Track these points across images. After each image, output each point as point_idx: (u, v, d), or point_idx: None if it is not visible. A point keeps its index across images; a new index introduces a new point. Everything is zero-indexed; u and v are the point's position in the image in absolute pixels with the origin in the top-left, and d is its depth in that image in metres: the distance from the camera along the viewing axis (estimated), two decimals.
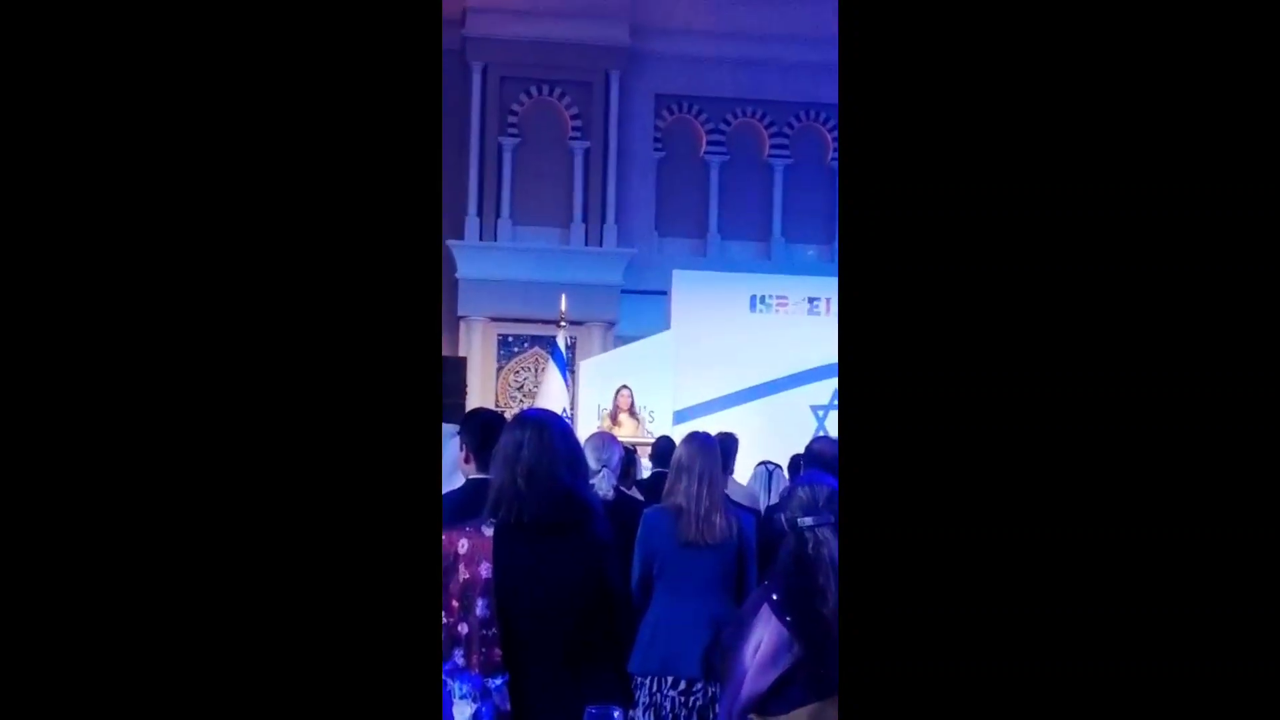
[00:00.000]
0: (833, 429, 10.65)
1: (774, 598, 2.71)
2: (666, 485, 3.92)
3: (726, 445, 4.59)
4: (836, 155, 12.60)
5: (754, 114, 12.68)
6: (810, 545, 2.74)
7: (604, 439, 4.63)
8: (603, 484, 4.30)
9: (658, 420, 10.16)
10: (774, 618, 2.68)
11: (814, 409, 11.10)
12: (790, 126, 12.72)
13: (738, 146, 12.73)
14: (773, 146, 12.72)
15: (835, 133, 12.65)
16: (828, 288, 11.19)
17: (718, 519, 3.78)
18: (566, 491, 2.60)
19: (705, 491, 3.79)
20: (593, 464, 4.25)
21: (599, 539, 2.67)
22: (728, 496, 4.03)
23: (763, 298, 11.25)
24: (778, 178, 12.72)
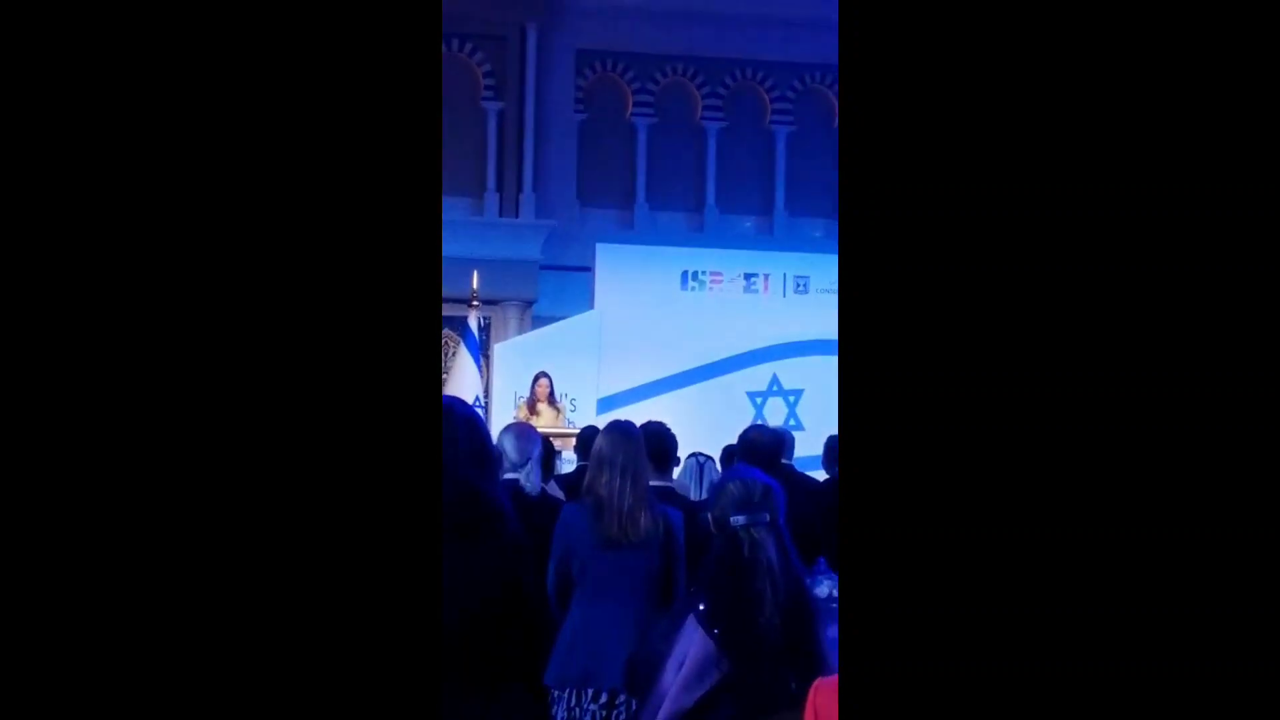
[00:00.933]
0: (771, 417, 10.67)
1: (700, 608, 2.68)
2: (586, 479, 3.87)
3: (663, 438, 4.52)
4: (776, 118, 12.66)
5: (685, 72, 12.61)
6: (746, 547, 2.70)
7: (522, 430, 4.55)
8: (529, 480, 4.25)
9: (580, 409, 10.14)
10: (699, 630, 2.65)
11: (751, 396, 11.14)
12: (725, 86, 12.64)
13: (667, 108, 12.65)
14: (706, 108, 12.63)
15: (775, 93, 12.68)
16: (766, 263, 11.24)
17: (642, 515, 3.72)
18: (473, 491, 2.53)
19: (629, 486, 3.73)
20: (514, 458, 4.24)
21: (512, 542, 2.62)
22: (652, 490, 3.96)
23: (695, 274, 11.22)
24: (711, 142, 12.64)
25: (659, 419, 4.79)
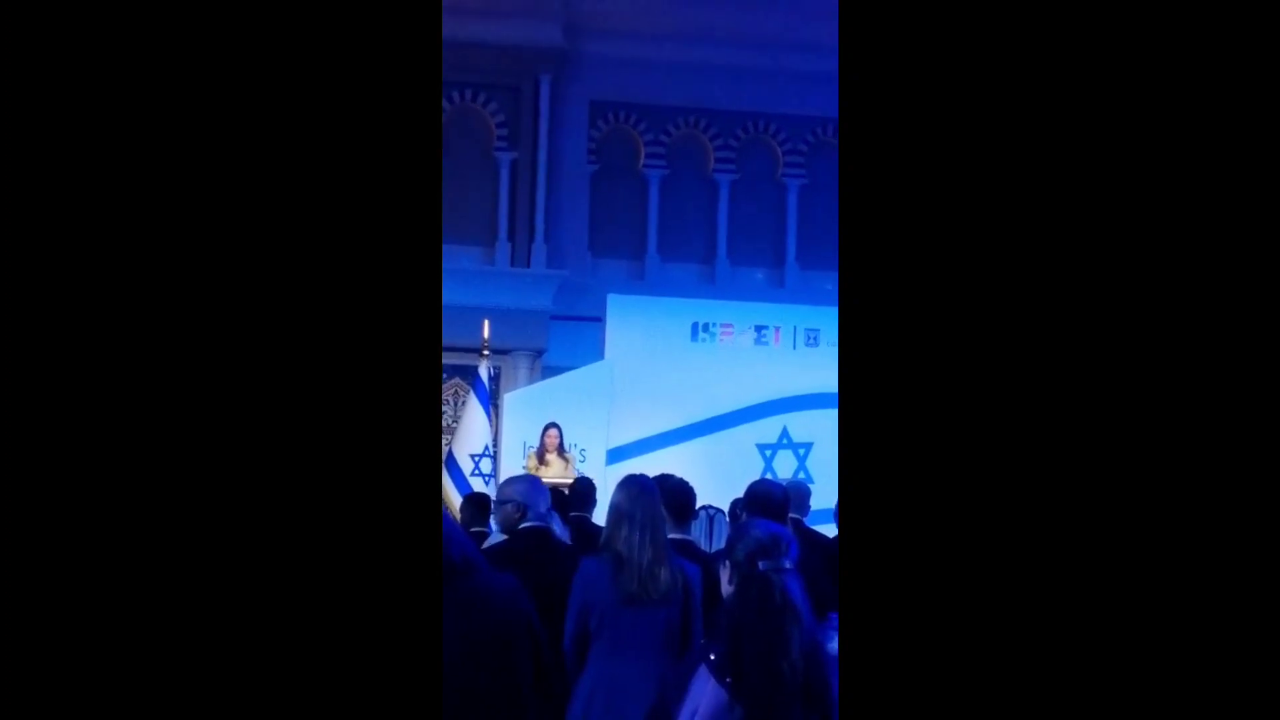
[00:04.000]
0: (782, 470, 10.70)
1: (711, 657, 2.68)
2: (605, 533, 3.89)
3: (683, 493, 4.59)
4: (788, 171, 12.77)
5: (698, 124, 12.81)
6: (777, 591, 2.72)
7: (535, 482, 4.62)
8: (558, 527, 4.31)
9: (589, 460, 10.19)
10: (711, 679, 2.65)
11: (761, 448, 11.13)
12: (737, 138, 12.82)
13: (680, 159, 12.83)
14: (718, 160, 12.81)
15: (787, 145, 12.79)
16: (776, 315, 11.32)
17: (662, 571, 3.73)
18: (458, 537, 2.59)
19: (648, 540, 3.74)
20: (540, 508, 4.27)
21: (509, 582, 2.69)
22: (670, 545, 3.98)
23: (706, 326, 11.27)
24: (723, 194, 12.81)
25: (668, 471, 4.85)
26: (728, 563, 2.87)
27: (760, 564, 2.73)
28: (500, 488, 5.43)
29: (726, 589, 2.86)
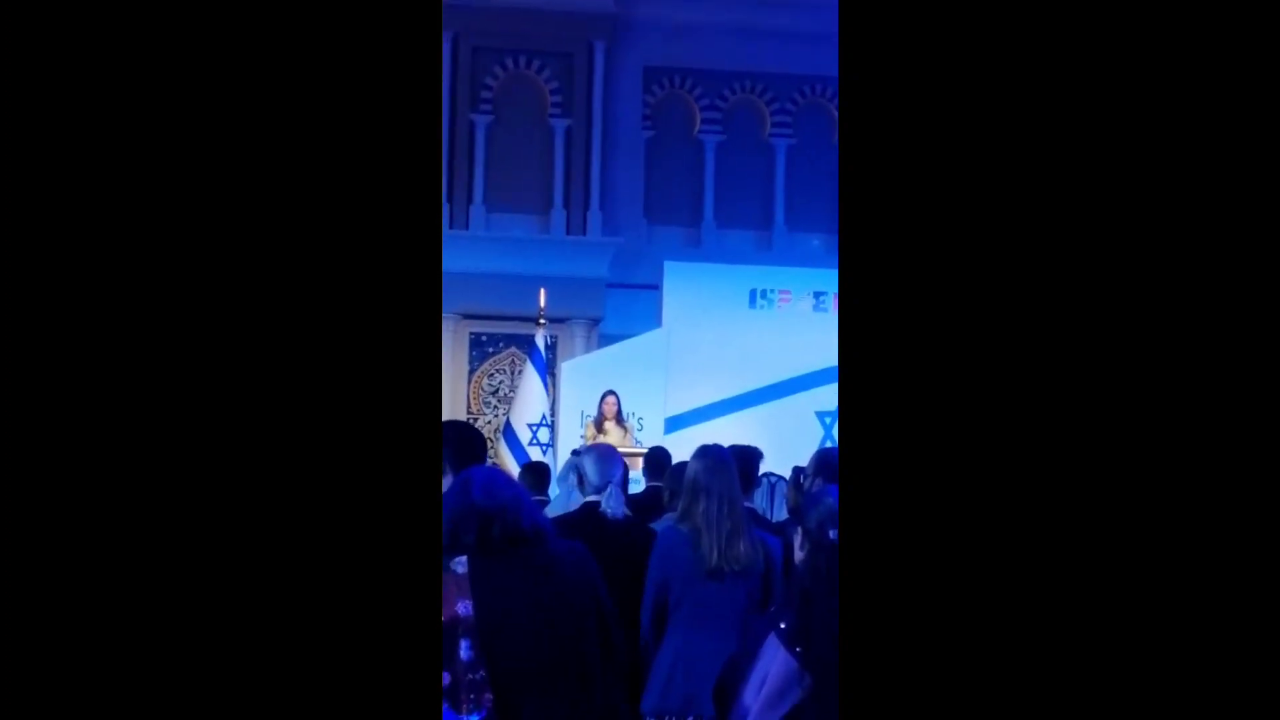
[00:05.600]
0: None
1: (781, 626, 2.70)
2: (681, 506, 3.88)
3: (748, 460, 4.53)
4: None
5: (754, 89, 12.75)
6: None
7: (604, 452, 4.50)
8: (612, 502, 4.21)
9: (647, 428, 10.22)
10: (781, 649, 2.67)
11: (820, 415, 11.14)
12: (794, 102, 12.75)
13: (736, 125, 12.77)
14: (774, 125, 12.76)
15: None
16: (834, 281, 11.19)
17: (741, 544, 3.73)
18: (480, 513, 2.61)
19: (726, 513, 3.74)
20: (594, 481, 4.24)
21: (578, 550, 2.72)
22: (750, 516, 3.99)
23: (763, 292, 11.34)
24: (780, 159, 12.73)
25: (726, 440, 4.85)
26: (799, 530, 2.88)
27: (831, 533, 2.73)
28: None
29: (799, 556, 2.88)
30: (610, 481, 4.27)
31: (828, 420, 11.12)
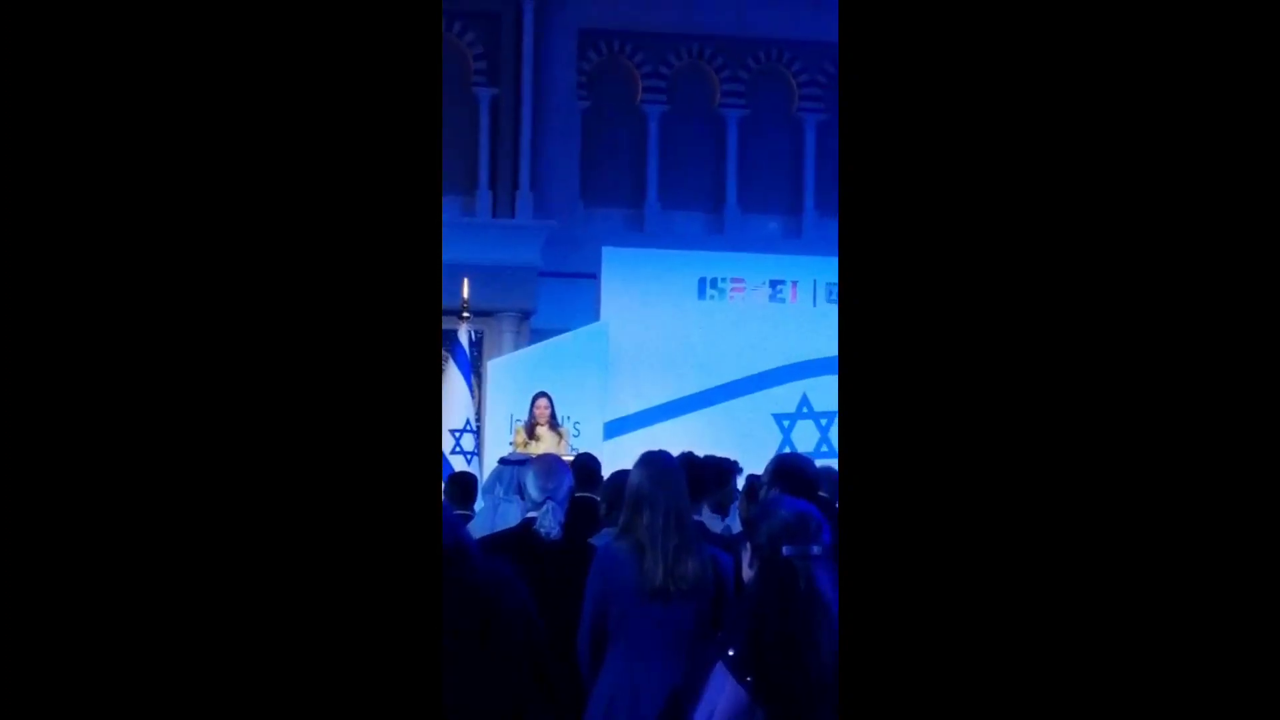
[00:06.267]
0: (801, 443, 10.64)
1: (730, 653, 2.67)
2: (622, 519, 3.84)
3: (721, 473, 4.51)
4: (804, 104, 12.68)
5: (701, 54, 12.64)
6: (802, 580, 2.69)
7: (550, 465, 4.52)
8: (548, 521, 4.23)
9: (585, 434, 10.14)
10: (729, 678, 2.64)
11: (778, 419, 11.14)
12: (747, 69, 12.67)
13: (682, 94, 12.68)
14: (725, 94, 12.65)
15: (803, 76, 12.70)
16: (792, 268, 11.24)
17: (689, 561, 3.68)
18: (449, 520, 2.71)
19: (672, 526, 3.70)
20: (533, 495, 4.24)
21: (503, 572, 2.76)
22: (700, 529, 3.95)
23: (714, 281, 11.21)
24: (731, 132, 12.61)
25: (674, 446, 4.77)
26: (749, 545, 2.86)
27: (785, 548, 2.71)
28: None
29: (747, 574, 2.86)
30: (550, 497, 4.27)
31: (786, 424, 11.08)
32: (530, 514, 4.22)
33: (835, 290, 11.35)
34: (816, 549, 2.73)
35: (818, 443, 11.05)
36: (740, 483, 6.18)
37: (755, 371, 11.08)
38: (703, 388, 11.03)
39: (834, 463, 8.02)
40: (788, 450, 9.89)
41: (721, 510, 4.88)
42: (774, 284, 11.28)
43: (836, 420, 11.11)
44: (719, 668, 2.68)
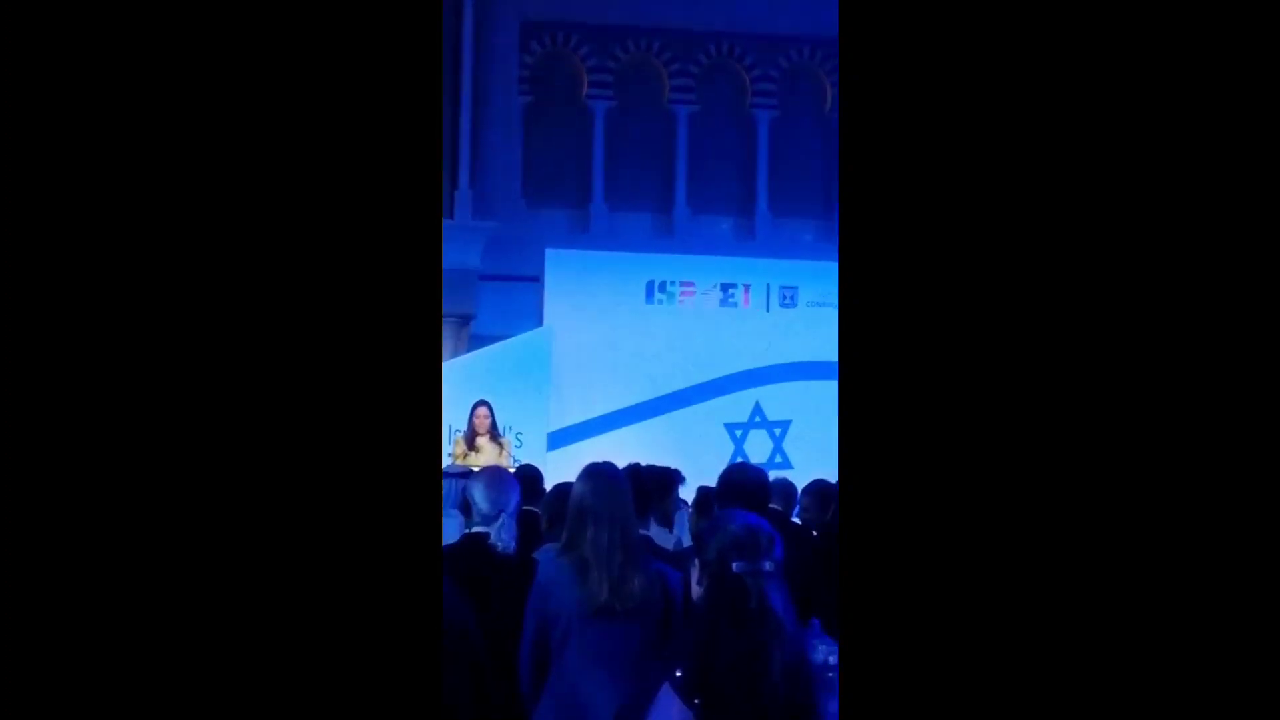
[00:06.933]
0: (755, 453, 10.63)
1: (677, 674, 2.67)
2: (566, 534, 3.83)
3: (664, 484, 4.66)
4: (758, 101, 12.65)
5: (650, 47, 12.55)
6: (753, 597, 2.70)
7: (496, 476, 4.52)
8: (504, 534, 4.23)
9: (527, 445, 10.09)
10: (676, 700, 2.64)
11: (730, 428, 11.13)
12: (697, 63, 12.57)
13: (629, 89, 12.58)
14: (675, 89, 12.54)
15: (756, 71, 12.67)
16: (746, 271, 11.26)
17: (636, 578, 3.68)
18: None
19: (618, 540, 3.70)
20: (484, 509, 4.23)
21: (443, 587, 2.69)
22: (647, 545, 3.99)
23: (663, 284, 11.28)
24: (681, 129, 12.47)
25: (619, 458, 4.72)
26: (697, 562, 2.86)
27: (734, 564, 2.72)
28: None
29: (695, 591, 2.87)
30: (503, 510, 4.26)
31: (738, 433, 11.07)
32: (477, 528, 4.21)
33: (790, 293, 11.40)
34: (768, 565, 2.73)
35: (771, 453, 11.04)
36: (684, 493, 6.19)
37: (706, 379, 11.13)
38: (651, 396, 11.04)
39: (788, 474, 8.06)
40: (740, 461, 9.85)
41: (665, 523, 4.85)
42: (725, 287, 11.31)
43: (790, 428, 11.15)
44: (665, 689, 2.67)
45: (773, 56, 12.65)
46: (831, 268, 11.49)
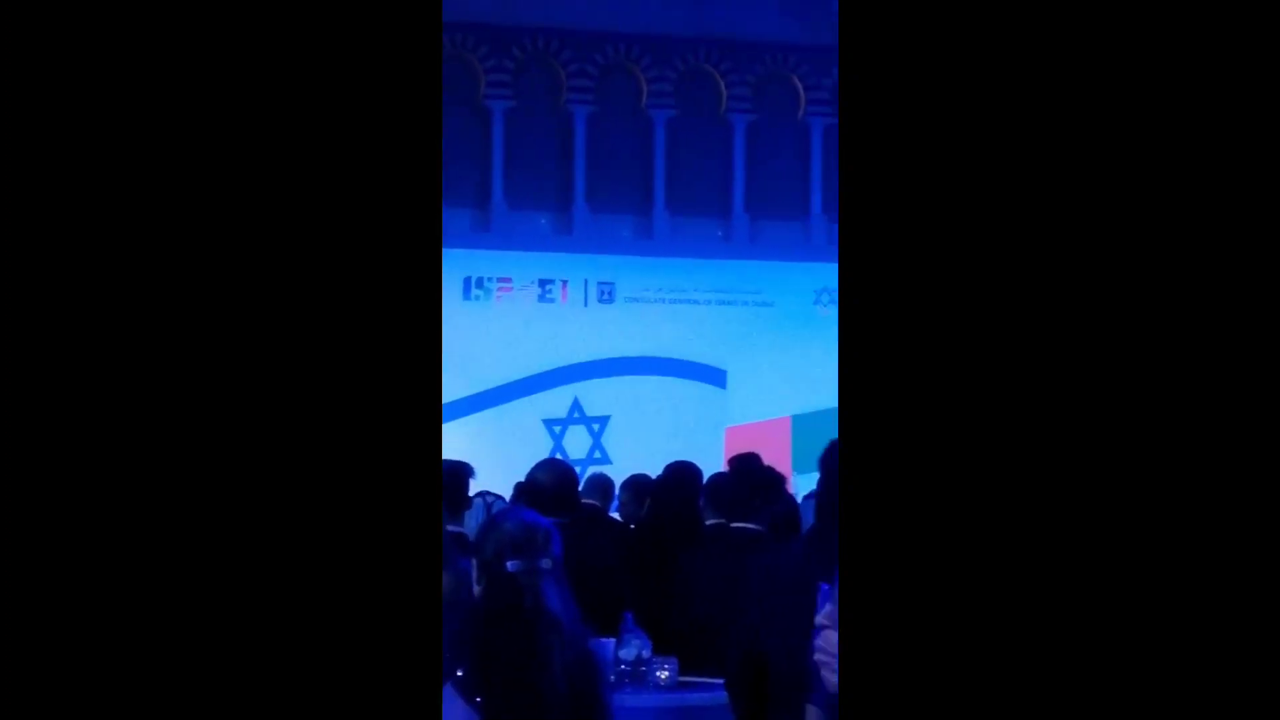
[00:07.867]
0: (574, 449, 10.63)
1: (459, 673, 2.69)
2: None
3: (456, 477, 4.68)
4: (573, 97, 12.07)
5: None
6: (528, 597, 2.74)
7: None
8: None
9: None
10: (459, 699, 2.67)
11: (548, 424, 11.12)
12: (512, 58, 12.18)
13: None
14: (490, 85, 11.77)
15: (573, 67, 12.19)
16: (562, 267, 11.17)
17: (444, 576, 3.48)
18: None
19: None
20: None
21: None
22: (454, 538, 4.09)
23: (480, 280, 11.22)
24: (497, 121, 11.94)
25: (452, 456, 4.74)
26: (475, 561, 2.88)
27: (509, 563, 2.74)
28: None
29: (475, 590, 2.88)
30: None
31: (557, 429, 11.05)
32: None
33: (608, 289, 11.23)
34: (546, 562, 2.77)
35: (590, 449, 11.05)
36: (501, 489, 6.22)
37: (524, 375, 11.08)
38: (468, 393, 10.94)
39: (606, 469, 8.07)
40: (558, 456, 9.91)
41: (456, 517, 4.90)
42: (543, 283, 11.21)
43: (609, 423, 11.14)
44: (448, 688, 2.68)
45: (670, 59, 12.17)
46: (649, 262, 11.47)
